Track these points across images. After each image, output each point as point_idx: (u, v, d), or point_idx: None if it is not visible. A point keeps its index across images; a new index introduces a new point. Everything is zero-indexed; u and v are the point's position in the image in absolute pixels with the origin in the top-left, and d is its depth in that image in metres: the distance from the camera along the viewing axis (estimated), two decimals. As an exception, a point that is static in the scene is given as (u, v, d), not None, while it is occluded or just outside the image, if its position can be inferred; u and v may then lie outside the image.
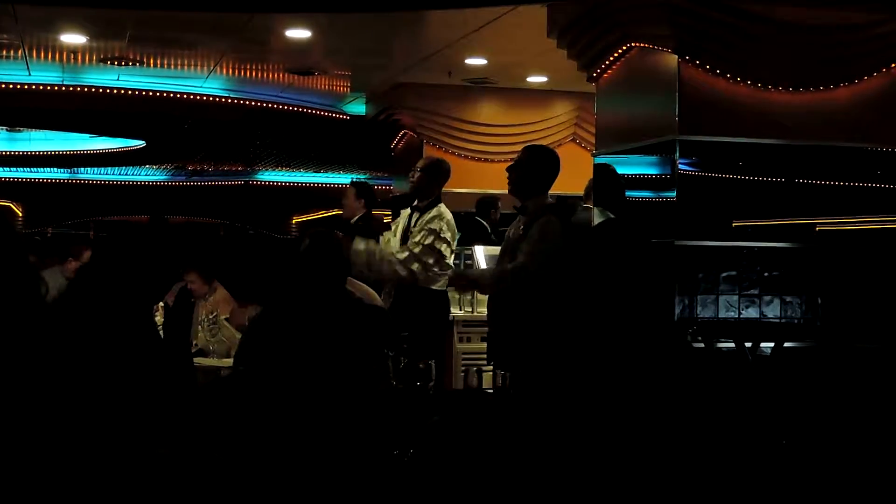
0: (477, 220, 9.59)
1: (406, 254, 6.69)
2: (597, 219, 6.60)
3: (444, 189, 6.87)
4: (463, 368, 8.05)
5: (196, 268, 7.15)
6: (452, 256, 6.94)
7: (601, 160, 7.30)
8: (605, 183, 6.77)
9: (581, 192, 8.04)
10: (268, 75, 10.89)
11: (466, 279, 6.04)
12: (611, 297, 3.20)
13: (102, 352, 3.30)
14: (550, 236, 5.33)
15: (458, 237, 6.98)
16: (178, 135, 14.04)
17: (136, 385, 3.32)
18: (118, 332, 3.39)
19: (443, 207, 6.86)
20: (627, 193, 6.95)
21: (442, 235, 6.73)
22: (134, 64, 10.12)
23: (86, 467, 3.05)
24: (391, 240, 6.97)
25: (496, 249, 6.41)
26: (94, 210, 19.96)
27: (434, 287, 6.81)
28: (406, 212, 7.02)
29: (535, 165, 5.53)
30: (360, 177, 17.56)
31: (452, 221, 6.86)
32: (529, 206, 5.48)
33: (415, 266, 6.66)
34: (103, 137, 15.68)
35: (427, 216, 6.80)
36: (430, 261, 6.70)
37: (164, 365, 3.53)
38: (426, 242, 6.68)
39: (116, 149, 16.13)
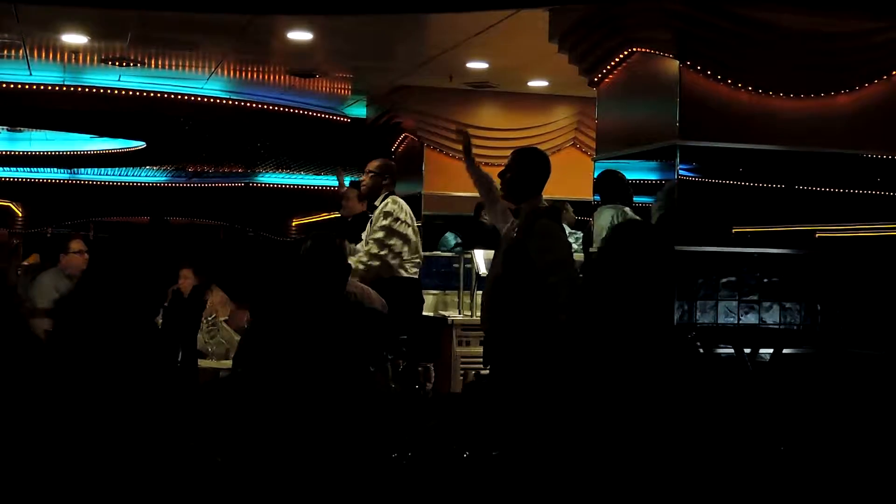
0: (478, 223, 9.60)
1: (367, 248, 6.79)
2: (606, 216, 6.59)
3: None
4: (462, 372, 8.07)
5: (191, 266, 7.14)
6: (418, 244, 6.99)
7: (602, 165, 7.31)
8: (612, 184, 6.77)
9: (581, 196, 8.06)
10: (269, 77, 10.89)
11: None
12: (610, 301, 3.20)
13: (103, 353, 3.30)
14: (555, 240, 5.31)
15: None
16: (179, 136, 14.04)
17: (135, 386, 3.32)
18: (119, 334, 3.38)
19: (394, 196, 6.99)
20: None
21: (397, 216, 6.83)
22: (135, 64, 10.12)
23: (86, 468, 3.05)
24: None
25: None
26: (95, 211, 19.97)
27: (404, 275, 6.86)
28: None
29: (526, 168, 5.50)
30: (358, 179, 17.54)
31: (406, 205, 6.97)
32: (524, 208, 5.47)
33: (382, 251, 6.73)
34: (104, 138, 15.68)
35: (379, 208, 6.93)
36: (394, 240, 6.78)
37: (163, 367, 3.53)
38: (384, 223, 6.79)
39: (117, 149, 16.13)
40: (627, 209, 6.66)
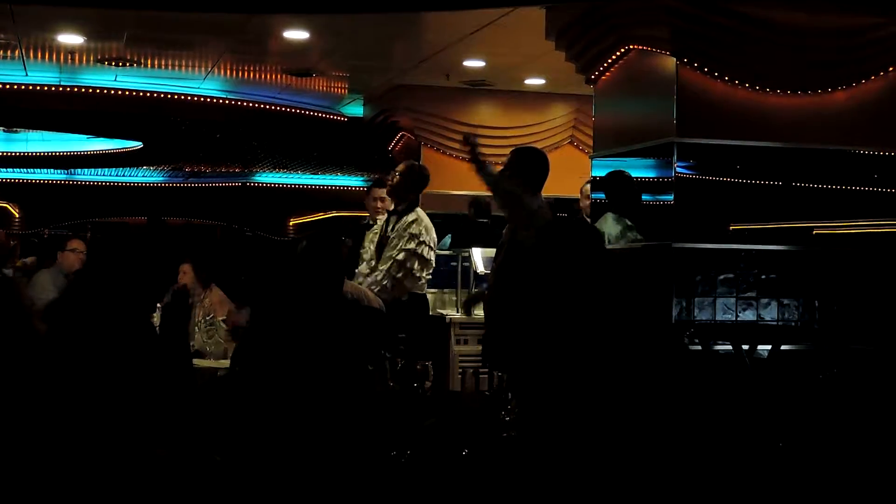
0: (471, 221, 9.56)
1: (385, 267, 6.64)
2: (610, 224, 6.59)
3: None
4: (460, 371, 8.07)
5: (191, 261, 7.14)
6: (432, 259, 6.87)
7: (599, 162, 7.31)
8: (619, 189, 6.73)
9: (578, 195, 8.04)
10: (266, 76, 10.89)
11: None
12: (607, 299, 3.20)
13: (100, 353, 3.29)
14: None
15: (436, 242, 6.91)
16: (176, 136, 14.03)
17: (133, 386, 3.32)
18: (116, 334, 3.38)
19: (420, 212, 6.84)
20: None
21: (423, 240, 6.68)
22: (131, 64, 10.11)
23: (84, 468, 3.04)
24: (368, 249, 6.98)
25: (493, 251, 6.40)
26: (92, 211, 19.94)
27: (416, 292, 6.80)
28: (376, 227, 7.05)
29: (525, 167, 5.51)
30: (358, 178, 17.56)
31: (431, 226, 6.82)
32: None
33: (399, 275, 6.60)
34: (100, 138, 15.66)
35: (406, 220, 6.74)
36: (416, 265, 6.65)
37: (161, 366, 3.52)
38: (409, 247, 6.63)
39: (114, 150, 16.11)
40: (628, 222, 6.61)
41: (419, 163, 7.40)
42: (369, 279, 6.65)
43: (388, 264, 6.61)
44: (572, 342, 3.03)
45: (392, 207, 7.07)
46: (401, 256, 6.60)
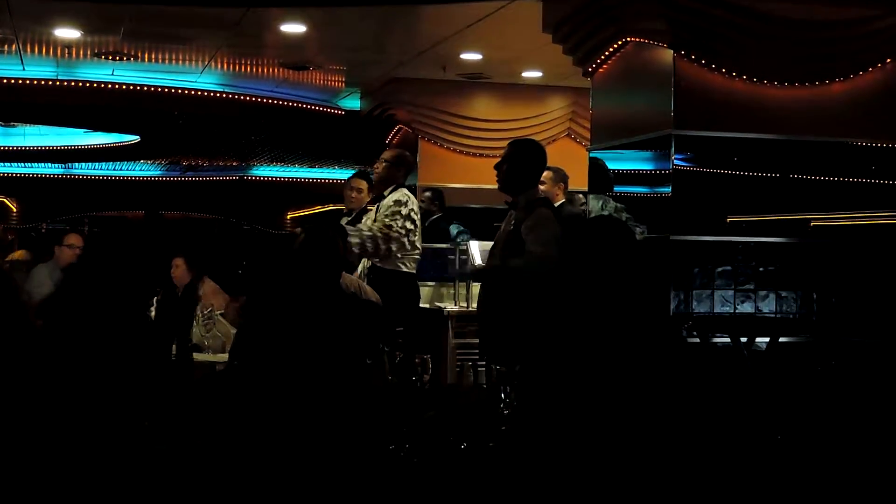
0: (428, 213, 9.44)
1: (372, 226, 6.70)
2: (594, 205, 6.61)
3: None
4: (458, 364, 8.06)
5: (184, 254, 7.14)
6: (419, 239, 6.87)
7: (597, 155, 7.31)
8: (600, 175, 6.79)
9: (575, 187, 8.05)
10: (262, 70, 10.88)
11: (495, 270, 5.84)
12: (604, 291, 3.20)
13: (97, 347, 3.29)
14: (550, 225, 5.32)
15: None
16: (173, 130, 14.03)
17: (131, 381, 3.32)
18: (113, 328, 3.38)
19: (405, 191, 6.87)
20: (624, 189, 6.97)
21: (404, 213, 6.70)
22: (129, 59, 10.10)
23: (81, 463, 3.05)
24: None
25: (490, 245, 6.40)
26: (89, 205, 19.96)
27: (404, 269, 6.80)
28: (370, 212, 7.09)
29: (523, 159, 5.50)
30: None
31: (415, 202, 6.87)
32: (521, 200, 5.46)
33: (394, 235, 6.62)
34: (98, 132, 15.66)
35: (390, 198, 6.78)
36: (402, 230, 6.66)
37: (159, 361, 3.53)
38: (397, 210, 6.66)
39: (111, 144, 16.12)
40: (610, 199, 6.68)
41: (404, 150, 7.41)
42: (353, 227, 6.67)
43: (376, 225, 6.62)
44: (586, 337, 3.03)
45: (368, 199, 7.17)
46: (387, 220, 6.62)
